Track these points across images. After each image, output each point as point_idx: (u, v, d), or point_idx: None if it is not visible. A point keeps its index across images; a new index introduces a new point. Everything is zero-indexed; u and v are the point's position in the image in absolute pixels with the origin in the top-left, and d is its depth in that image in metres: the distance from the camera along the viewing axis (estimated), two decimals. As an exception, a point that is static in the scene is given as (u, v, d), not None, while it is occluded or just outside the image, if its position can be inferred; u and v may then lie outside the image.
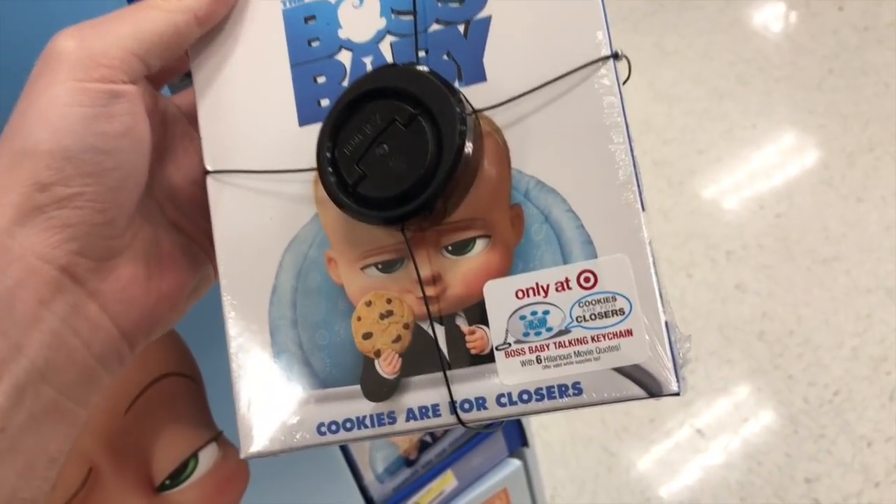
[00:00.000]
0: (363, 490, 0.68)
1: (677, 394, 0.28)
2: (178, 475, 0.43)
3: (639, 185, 0.30)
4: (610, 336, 0.29)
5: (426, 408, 0.31)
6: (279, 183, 0.33)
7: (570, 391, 0.29)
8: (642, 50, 2.11)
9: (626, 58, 0.31)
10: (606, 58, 0.30)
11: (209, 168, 0.34)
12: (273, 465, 0.38)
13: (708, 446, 1.39)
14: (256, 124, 0.34)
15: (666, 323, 0.29)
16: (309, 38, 0.33)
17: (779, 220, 1.68)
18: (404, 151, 0.30)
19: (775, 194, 1.73)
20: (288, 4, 0.34)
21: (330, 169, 0.30)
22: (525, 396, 0.30)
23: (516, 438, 0.76)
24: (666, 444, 1.41)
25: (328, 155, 0.31)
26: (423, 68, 0.31)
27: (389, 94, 0.30)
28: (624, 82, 0.31)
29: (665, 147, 1.86)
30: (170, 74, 0.37)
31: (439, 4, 0.32)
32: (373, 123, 0.30)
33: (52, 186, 0.29)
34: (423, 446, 0.71)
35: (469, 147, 0.29)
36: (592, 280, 0.29)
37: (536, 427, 1.40)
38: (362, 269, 0.32)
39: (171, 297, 0.34)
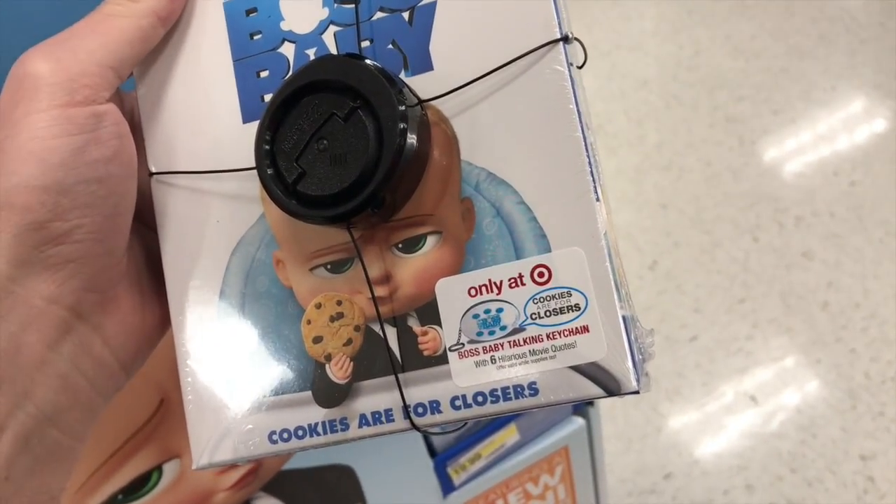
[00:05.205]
0: (425, 436, 0.67)
1: (637, 392, 0.27)
2: None
3: (593, 175, 0.28)
4: (566, 333, 0.28)
5: (379, 413, 0.30)
6: (224, 183, 0.32)
7: (526, 392, 0.28)
8: (721, 0, 2.02)
9: (580, 41, 0.29)
10: (556, 41, 0.28)
11: (153, 170, 0.33)
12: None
13: (761, 414, 1.36)
14: (200, 123, 0.32)
15: (624, 318, 0.27)
16: (251, 32, 0.32)
17: (853, 188, 1.61)
18: (344, 146, 0.28)
19: (851, 161, 1.65)
20: None
21: (269, 167, 0.29)
22: (480, 398, 0.29)
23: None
24: (718, 408, 1.38)
25: (267, 151, 0.29)
26: (361, 58, 0.29)
27: (327, 87, 0.29)
28: (580, 67, 0.29)
29: (738, 104, 1.79)
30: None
31: None
32: (311, 118, 0.29)
33: (49, 223, 0.27)
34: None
35: (412, 139, 0.28)
36: (547, 275, 0.28)
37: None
38: (311, 270, 0.31)
39: (162, 320, 0.33)
